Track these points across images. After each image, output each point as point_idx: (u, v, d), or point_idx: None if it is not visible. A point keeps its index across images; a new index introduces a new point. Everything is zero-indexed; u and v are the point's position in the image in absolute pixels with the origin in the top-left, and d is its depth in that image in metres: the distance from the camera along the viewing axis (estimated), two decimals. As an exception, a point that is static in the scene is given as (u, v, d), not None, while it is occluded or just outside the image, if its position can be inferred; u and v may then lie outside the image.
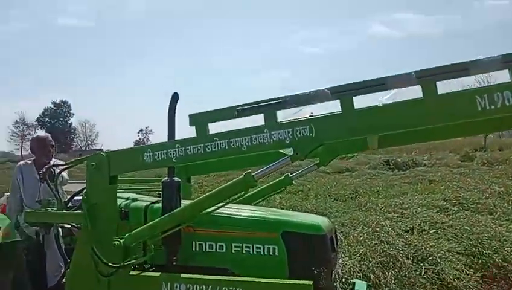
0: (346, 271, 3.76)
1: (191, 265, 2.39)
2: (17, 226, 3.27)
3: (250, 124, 2.21)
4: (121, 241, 2.29)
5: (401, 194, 8.80)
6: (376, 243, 4.46)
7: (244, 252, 2.33)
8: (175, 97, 2.48)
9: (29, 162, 3.90)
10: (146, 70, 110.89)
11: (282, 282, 2.13)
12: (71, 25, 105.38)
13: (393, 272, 4.01)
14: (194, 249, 2.42)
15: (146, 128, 76.76)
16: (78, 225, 2.57)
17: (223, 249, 2.37)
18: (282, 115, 2.17)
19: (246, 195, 3.10)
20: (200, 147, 2.22)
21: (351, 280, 3.37)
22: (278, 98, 2.18)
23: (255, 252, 2.31)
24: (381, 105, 1.96)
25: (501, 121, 2.16)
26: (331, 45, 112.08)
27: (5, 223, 2.96)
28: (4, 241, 2.85)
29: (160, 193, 2.47)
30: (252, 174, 2.14)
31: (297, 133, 2.05)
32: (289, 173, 3.21)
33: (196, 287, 2.18)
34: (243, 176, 2.16)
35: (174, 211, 2.31)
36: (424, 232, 5.23)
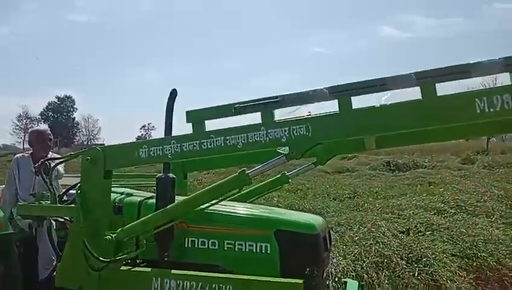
0: (339, 270, 3.76)
1: (183, 261, 2.37)
2: (11, 218, 3.26)
3: (250, 122, 2.20)
4: (113, 235, 2.27)
5: (399, 195, 8.81)
6: (371, 243, 4.47)
7: (236, 249, 2.31)
8: (173, 94, 2.47)
9: (27, 155, 3.88)
10: (152, 68, 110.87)
11: (272, 280, 2.11)
12: (80, 21, 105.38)
13: (386, 272, 4.02)
14: (186, 245, 2.40)
15: (148, 124, 76.87)
16: (72, 219, 2.56)
17: (215, 246, 2.36)
18: (280, 114, 2.16)
19: (243, 192, 3.11)
20: (196, 143, 2.19)
21: (343, 279, 3.37)
22: (276, 97, 2.16)
23: (247, 250, 2.30)
24: (378, 106, 1.94)
25: (500, 124, 2.15)
26: (340, 46, 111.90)
27: None
28: None
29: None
30: (247, 172, 2.12)
31: (294, 132, 2.02)
32: (286, 172, 3.21)
33: (186, 284, 2.17)
34: (237, 173, 2.14)
35: (168, 207, 2.29)
36: (419, 234, 5.24)
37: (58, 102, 72.30)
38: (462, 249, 4.82)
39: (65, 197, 2.77)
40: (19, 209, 2.66)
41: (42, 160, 2.64)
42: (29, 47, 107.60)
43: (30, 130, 4.41)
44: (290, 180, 3.31)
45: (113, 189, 2.60)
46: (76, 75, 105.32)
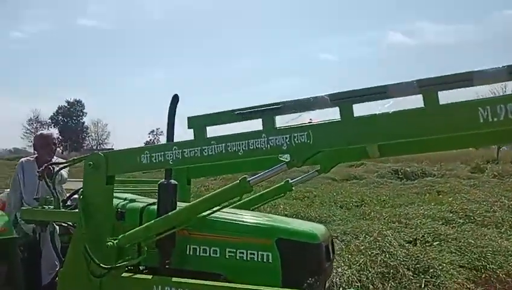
0: (344, 280, 3.72)
1: (185, 269, 2.37)
2: (16, 223, 3.28)
3: (255, 127, 2.19)
4: (115, 242, 2.27)
5: (407, 204, 8.73)
6: (377, 253, 4.41)
7: (238, 257, 2.30)
8: (175, 99, 2.47)
9: (32, 159, 3.90)
10: (161, 73, 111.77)
11: None
12: (91, 26, 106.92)
13: (392, 283, 3.96)
14: (188, 252, 2.40)
15: (157, 129, 77.13)
16: (75, 224, 2.57)
17: (216, 254, 2.35)
18: (281, 121, 2.15)
19: (246, 199, 3.10)
20: (197, 150, 2.19)
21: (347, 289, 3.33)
22: (277, 103, 2.16)
23: (248, 259, 2.28)
24: (380, 114, 1.92)
25: (504, 133, 2.11)
26: (346, 52, 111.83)
27: (3, 220, 2.96)
28: (1, 237, 2.86)
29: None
30: (248, 179, 2.12)
31: (295, 139, 2.01)
32: (289, 179, 3.20)
33: None
34: (238, 181, 2.13)
35: (169, 213, 2.29)
36: (427, 244, 5.17)
37: (68, 106, 73.02)
38: (470, 261, 4.73)
39: (69, 202, 2.79)
40: (22, 213, 2.68)
41: (46, 164, 2.66)
42: (40, 52, 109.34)
43: (35, 134, 4.41)
44: (293, 188, 3.32)
45: (116, 195, 2.61)
46: (86, 79, 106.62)
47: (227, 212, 2.46)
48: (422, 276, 4.14)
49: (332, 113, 2.06)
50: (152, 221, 2.31)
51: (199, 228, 2.38)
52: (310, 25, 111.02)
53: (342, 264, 4.11)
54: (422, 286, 3.99)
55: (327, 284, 2.43)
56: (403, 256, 4.43)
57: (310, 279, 2.21)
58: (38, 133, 4.13)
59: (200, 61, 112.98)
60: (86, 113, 74.17)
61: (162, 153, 2.27)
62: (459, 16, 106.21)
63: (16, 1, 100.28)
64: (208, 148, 2.16)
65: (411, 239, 5.36)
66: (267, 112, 2.13)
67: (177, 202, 2.42)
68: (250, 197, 3.18)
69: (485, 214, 7.16)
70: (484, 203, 8.28)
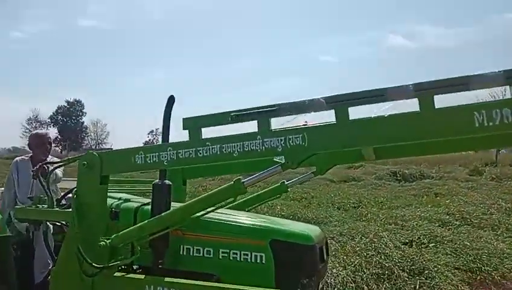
0: (339, 281, 3.71)
1: (178, 269, 2.36)
2: (9, 221, 3.27)
3: (251, 129, 2.18)
4: (107, 241, 2.27)
5: (404, 205, 8.73)
6: (372, 254, 4.42)
7: (231, 258, 2.30)
8: (171, 100, 2.47)
9: (26, 158, 3.89)
10: (161, 73, 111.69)
11: None
12: (91, 26, 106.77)
13: (387, 284, 3.96)
14: (181, 253, 2.39)
15: (156, 129, 76.98)
16: (68, 223, 2.56)
17: (210, 255, 2.34)
18: (277, 123, 2.14)
19: (241, 200, 3.10)
20: (192, 151, 2.18)
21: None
22: (273, 105, 2.15)
23: (242, 259, 2.28)
24: (375, 117, 1.91)
25: (500, 137, 2.11)
26: (346, 53, 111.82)
27: None
28: None
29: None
30: (242, 180, 2.11)
31: (290, 141, 2.00)
32: (285, 180, 3.19)
33: None
34: (232, 182, 2.12)
35: (163, 213, 2.28)
36: (422, 246, 5.17)
37: (68, 106, 73.04)
38: (465, 263, 4.74)
39: (64, 201, 2.78)
40: (16, 212, 2.67)
41: (40, 163, 2.65)
42: (40, 51, 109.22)
43: (30, 133, 4.39)
44: (290, 189, 3.31)
45: (111, 194, 2.60)
46: (86, 79, 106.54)
47: (221, 213, 2.45)
48: (417, 277, 4.15)
49: (328, 116, 2.06)
50: (145, 221, 2.31)
51: (193, 229, 2.38)
52: (310, 25, 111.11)
53: (337, 265, 4.12)
54: (417, 288, 4.00)
55: (321, 285, 2.43)
56: (398, 257, 4.44)
57: (303, 280, 2.21)
58: (34, 132, 4.11)
59: (200, 61, 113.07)
60: (86, 113, 74.33)
61: (157, 153, 2.26)
62: (459, 19, 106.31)
63: (16, 1, 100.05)
64: (202, 150, 2.16)
65: (407, 241, 5.37)
66: (262, 114, 2.12)
67: (172, 202, 2.41)
68: (245, 198, 3.18)
69: (482, 217, 7.17)
70: (481, 205, 8.30)
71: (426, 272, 4.21)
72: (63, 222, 2.70)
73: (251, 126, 2.19)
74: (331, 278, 3.75)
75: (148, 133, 76.31)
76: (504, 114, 1.71)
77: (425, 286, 4.02)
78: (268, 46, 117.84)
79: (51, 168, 2.75)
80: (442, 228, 6.22)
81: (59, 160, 3.10)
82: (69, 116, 72.62)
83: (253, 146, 2.06)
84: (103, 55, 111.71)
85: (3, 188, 3.94)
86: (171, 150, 2.23)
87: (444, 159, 22.49)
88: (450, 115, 1.81)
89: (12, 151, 58.82)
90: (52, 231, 3.12)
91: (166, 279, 2.21)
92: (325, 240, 2.60)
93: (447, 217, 7.03)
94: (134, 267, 2.47)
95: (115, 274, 2.30)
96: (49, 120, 70.90)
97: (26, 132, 66.21)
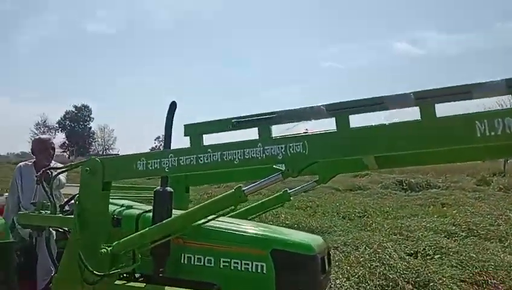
0: (342, 293, 3.67)
1: (179, 278, 2.35)
2: (13, 227, 3.28)
3: (253, 136, 2.18)
4: (109, 249, 2.26)
5: (410, 215, 8.63)
6: (377, 265, 4.36)
7: (232, 267, 2.28)
8: (173, 106, 2.48)
9: (30, 163, 3.90)
10: (168, 79, 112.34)
11: None
12: (100, 31, 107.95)
13: (391, 296, 3.90)
14: (182, 261, 2.38)
15: (162, 135, 77.30)
16: (71, 230, 2.56)
17: (211, 264, 2.33)
18: (278, 130, 2.14)
19: (243, 209, 3.08)
20: (193, 158, 2.18)
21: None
22: (274, 113, 2.15)
23: (243, 269, 2.26)
24: (376, 125, 1.90)
25: (503, 147, 2.09)
26: (352, 61, 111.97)
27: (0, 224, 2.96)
28: None
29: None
30: (243, 188, 2.10)
31: (290, 149, 2.00)
32: (288, 189, 3.18)
33: None
34: (233, 190, 2.12)
35: (164, 221, 2.28)
36: (428, 257, 5.10)
37: (76, 111, 73.63)
38: (471, 275, 4.66)
39: (67, 207, 2.78)
40: (19, 218, 2.68)
41: (43, 169, 2.66)
42: (49, 56, 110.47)
43: (33, 138, 4.41)
44: (293, 198, 3.29)
45: (113, 201, 2.61)
46: (95, 84, 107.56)
47: (222, 221, 2.44)
48: (422, 290, 4.09)
49: (329, 124, 2.05)
50: (147, 228, 2.30)
51: (194, 237, 2.37)
52: (314, 32, 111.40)
53: (341, 276, 4.07)
54: (422, 300, 3.93)
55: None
56: (402, 269, 4.38)
57: (305, 291, 2.18)
58: (37, 137, 4.12)
59: (208, 68, 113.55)
60: (93, 118, 74.84)
61: (158, 160, 2.26)
62: (464, 26, 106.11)
63: (25, 6, 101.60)
64: (203, 156, 2.16)
65: (412, 252, 5.31)
66: (263, 121, 2.13)
67: (173, 210, 2.41)
68: (248, 207, 3.16)
69: (489, 228, 7.06)
70: (488, 216, 8.18)
71: (431, 284, 4.15)
72: (66, 229, 2.70)
73: (254, 133, 2.20)
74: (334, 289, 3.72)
75: (155, 139, 76.59)
76: (506, 123, 1.69)
77: (430, 298, 3.96)
78: (273, 53, 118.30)
79: (55, 173, 2.76)
80: (448, 239, 6.14)
81: (62, 165, 3.12)
82: (77, 122, 73.13)
83: (253, 153, 2.06)
84: (112, 60, 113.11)
85: (7, 194, 3.95)
86: (172, 156, 2.23)
87: (451, 169, 22.23)
88: (451, 124, 1.79)
89: (20, 156, 59.44)
90: (55, 238, 3.12)
91: (167, 288, 2.20)
92: (328, 250, 2.57)
93: (453, 227, 6.93)
94: (136, 275, 2.46)
95: (115, 282, 2.29)
96: (57, 125, 71.53)
97: (34, 137, 66.80)
